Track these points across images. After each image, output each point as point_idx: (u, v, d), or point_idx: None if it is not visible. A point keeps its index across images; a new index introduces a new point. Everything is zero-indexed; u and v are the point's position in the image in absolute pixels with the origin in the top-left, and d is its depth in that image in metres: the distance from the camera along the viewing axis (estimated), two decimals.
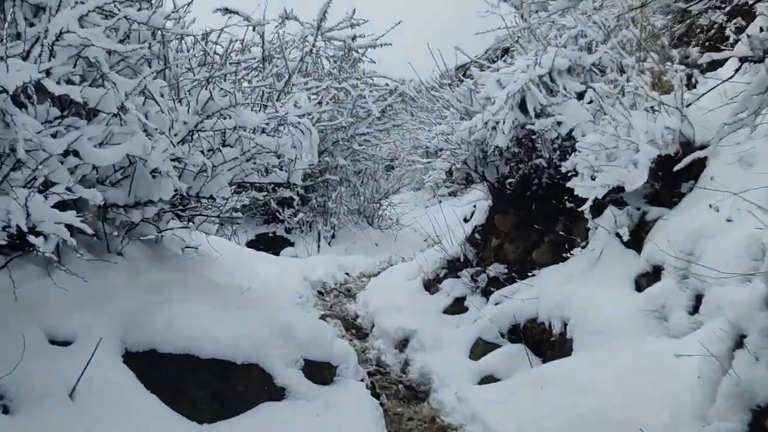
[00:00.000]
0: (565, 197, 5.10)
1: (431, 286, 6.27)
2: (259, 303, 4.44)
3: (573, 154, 4.78)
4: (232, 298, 4.20)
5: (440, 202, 17.12)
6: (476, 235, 6.34)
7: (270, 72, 9.65)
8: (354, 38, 10.83)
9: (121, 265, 3.82)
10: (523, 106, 5.07)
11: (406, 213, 11.71)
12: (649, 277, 4.00)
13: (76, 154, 3.07)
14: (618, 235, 4.45)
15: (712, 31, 5.40)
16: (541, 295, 4.57)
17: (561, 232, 5.30)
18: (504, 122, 4.92)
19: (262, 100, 5.99)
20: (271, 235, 10.13)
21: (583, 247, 4.90)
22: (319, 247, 9.72)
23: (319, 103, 9.59)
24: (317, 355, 3.78)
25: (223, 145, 4.16)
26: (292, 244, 9.98)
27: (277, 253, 9.74)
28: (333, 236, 10.09)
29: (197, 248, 5.75)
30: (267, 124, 4.09)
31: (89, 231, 2.71)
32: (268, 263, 6.93)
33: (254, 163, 4.34)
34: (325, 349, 3.82)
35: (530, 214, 5.82)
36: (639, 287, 4.02)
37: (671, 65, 4.12)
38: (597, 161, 4.45)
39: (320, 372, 3.77)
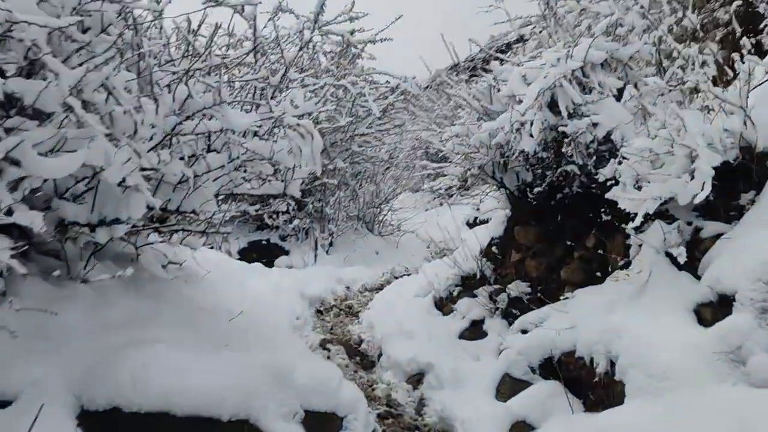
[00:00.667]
0: (601, 209, 4.49)
1: (444, 305, 5.64)
2: (251, 334, 3.80)
3: (611, 160, 4.17)
4: (218, 331, 3.55)
5: (441, 204, 16.52)
6: (493, 249, 5.71)
7: (262, 65, 9.00)
8: (353, 33, 10.20)
9: (83, 296, 3.17)
10: (552, 106, 4.44)
11: (407, 219, 11.08)
12: (715, 308, 3.37)
13: (18, 163, 2.43)
14: (669, 254, 3.82)
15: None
16: (578, 324, 3.94)
17: (594, 248, 4.69)
18: (532, 124, 4.29)
19: (253, 98, 5.35)
20: (264, 242, 9.47)
21: (623, 267, 4.28)
22: (316, 256, 9.07)
23: (322, 102, 8.96)
24: (321, 404, 3.15)
25: (208, 151, 3.52)
26: (287, 253, 9.33)
27: (271, 263, 9.09)
28: (331, 244, 9.44)
29: (181, 264, 5.11)
30: (260, 126, 3.44)
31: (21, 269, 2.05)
32: (261, 277, 6.28)
33: (245, 172, 3.70)
34: (329, 396, 3.18)
35: (556, 226, 5.19)
36: (702, 319, 3.40)
37: (737, 56, 3.49)
38: (643, 168, 3.83)
39: (324, 425, 3.14)
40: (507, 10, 5.86)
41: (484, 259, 5.67)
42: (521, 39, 6.87)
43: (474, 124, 5.21)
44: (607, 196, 4.08)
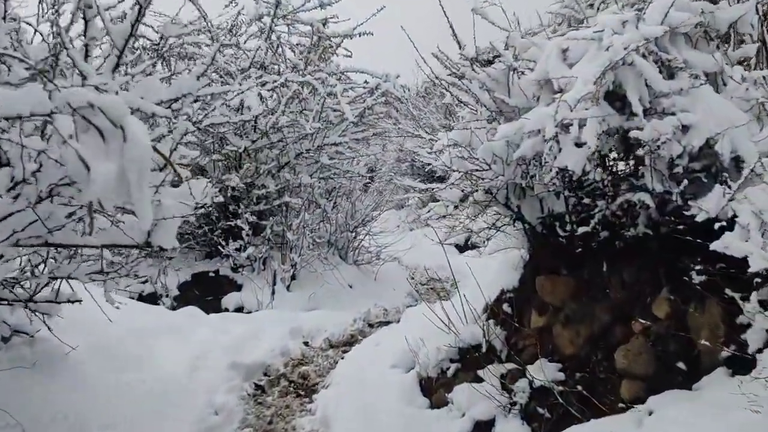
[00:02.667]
0: (683, 257, 2.85)
1: (433, 389, 3.91)
2: None
3: (715, 185, 2.51)
4: None
5: (427, 224, 14.81)
6: (504, 306, 4.01)
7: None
8: (325, 23, 8.53)
9: None
10: (612, 99, 2.78)
11: (388, 245, 9.35)
12: None
13: None
14: None
15: None
16: None
17: (668, 319, 3.02)
18: (581, 125, 2.61)
19: None
20: (212, 274, 7.69)
21: (732, 362, 2.61)
22: (273, 292, 7.32)
23: (283, 103, 7.27)
24: None
25: None
26: (239, 288, 7.56)
27: (218, 300, 7.33)
28: (294, 277, 7.69)
29: (32, 336, 3.39)
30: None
31: None
32: (179, 339, 4.51)
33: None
34: None
35: (599, 277, 3.52)
36: None
37: None
38: None
39: None
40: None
41: (492, 322, 3.97)
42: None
43: (481, 127, 3.52)
44: (715, 247, 2.43)
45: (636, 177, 2.89)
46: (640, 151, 2.63)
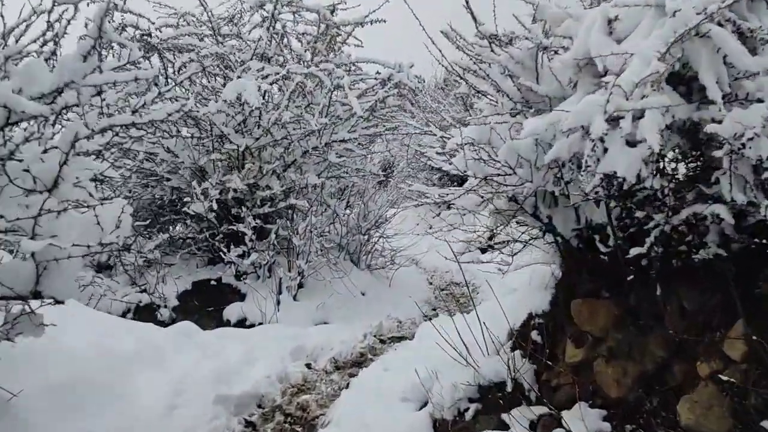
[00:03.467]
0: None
1: None
2: None
3: None
4: None
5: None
6: (533, 335, 3.37)
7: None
8: (333, 10, 7.92)
9: None
10: (676, 83, 2.12)
11: (404, 247, 8.74)
12: None
13: None
14: None
15: None
16: None
17: (745, 360, 2.36)
18: (639, 120, 1.96)
19: None
20: (214, 283, 7.15)
21: None
22: (278, 302, 6.75)
23: (287, 97, 6.69)
24: None
25: None
26: (242, 297, 7.01)
27: (220, 311, 6.80)
28: (301, 285, 7.12)
29: None
30: None
31: None
32: (161, 365, 3.95)
33: None
34: None
35: (651, 303, 2.87)
36: None
37: None
38: None
39: None
40: None
41: (518, 354, 3.34)
42: None
43: (502, 122, 2.88)
44: None
45: (706, 184, 2.23)
46: (717, 152, 1.97)
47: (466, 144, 2.96)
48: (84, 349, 3.66)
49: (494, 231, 3.72)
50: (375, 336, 5.87)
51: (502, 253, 3.78)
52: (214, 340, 5.01)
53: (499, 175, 2.91)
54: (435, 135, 4.41)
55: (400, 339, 5.84)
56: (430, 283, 9.00)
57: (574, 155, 2.34)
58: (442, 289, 8.90)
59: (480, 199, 3.44)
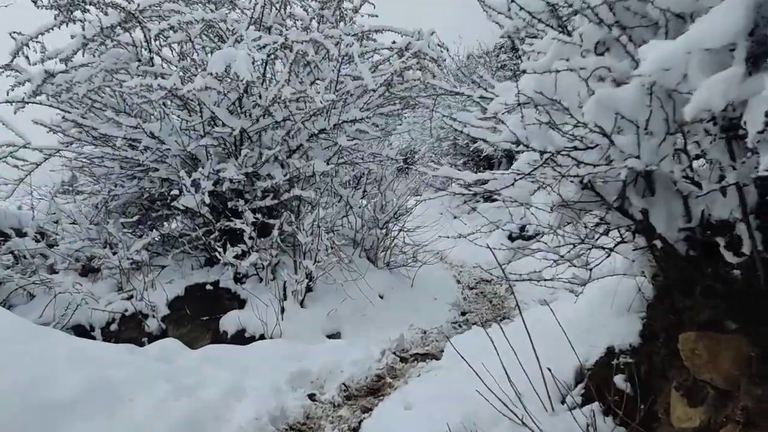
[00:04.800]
0: None
1: None
2: None
3: None
4: None
5: (473, 209, 13.15)
6: (617, 380, 2.35)
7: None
8: None
9: None
10: None
11: (426, 242, 7.72)
12: None
13: None
14: None
15: None
16: None
17: None
18: None
19: None
20: (210, 287, 6.22)
21: None
22: (282, 310, 5.81)
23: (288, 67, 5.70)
24: None
25: None
26: (242, 304, 6.09)
27: (216, 320, 5.89)
28: (309, 289, 6.16)
29: None
30: None
31: None
32: (112, 413, 3.02)
33: None
34: None
35: None
36: None
37: None
38: None
39: None
40: None
41: (596, 408, 2.31)
42: None
43: (579, 68, 1.84)
44: None
45: None
46: None
47: (520, 103, 1.93)
48: (5, 399, 2.74)
49: (556, 230, 2.69)
50: (395, 353, 4.88)
51: (573, 265, 2.74)
52: (195, 365, 4.08)
53: (573, 149, 1.88)
54: (469, 95, 3.36)
55: (425, 357, 4.85)
56: (458, 282, 7.97)
57: (729, 104, 1.31)
58: (471, 288, 7.88)
59: (533, 187, 2.43)
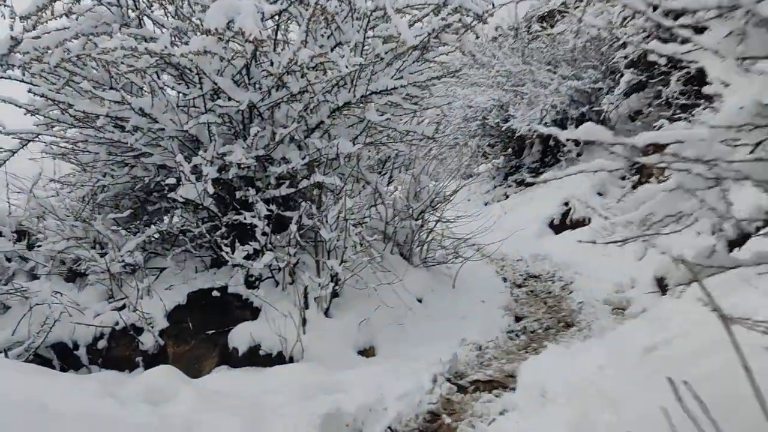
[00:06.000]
0: None
1: None
2: None
3: None
4: None
5: (506, 195, 12.13)
6: None
7: None
8: None
9: None
10: None
11: (469, 235, 6.66)
12: None
13: None
14: None
15: None
16: None
17: None
18: None
19: None
20: (217, 293, 5.20)
21: None
22: (304, 321, 4.80)
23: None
24: None
25: None
26: (255, 314, 5.08)
27: (225, 334, 4.90)
28: (335, 295, 5.14)
29: None
30: None
31: None
32: None
33: None
34: None
35: None
36: None
37: None
38: None
39: None
40: None
41: None
42: None
43: None
44: None
45: None
46: None
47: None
48: None
49: None
50: (450, 380, 3.85)
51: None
52: (193, 410, 3.06)
53: None
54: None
55: (490, 385, 3.80)
56: (504, 279, 6.92)
57: None
58: (519, 285, 6.83)
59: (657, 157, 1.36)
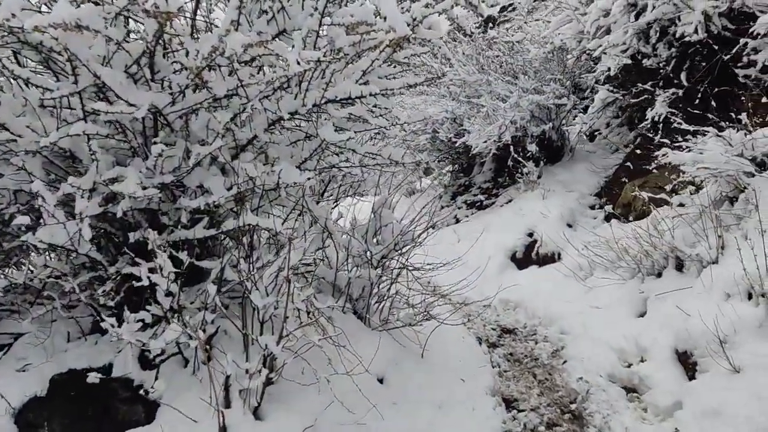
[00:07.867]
0: None
1: None
2: None
3: None
4: None
5: (457, 219, 11.03)
6: None
7: None
8: None
9: None
10: None
11: (447, 290, 5.34)
12: None
13: None
14: None
15: None
16: None
17: None
18: None
19: None
20: (95, 378, 3.55)
21: None
22: (224, 429, 3.28)
23: None
24: None
25: None
26: (150, 413, 3.50)
27: None
28: (269, 382, 3.63)
29: None
30: None
31: None
32: None
33: None
34: None
35: None
36: None
37: None
38: None
39: None
40: None
41: None
42: None
43: None
44: None
45: None
46: None
47: None
48: None
49: None
50: None
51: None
52: None
53: None
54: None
55: None
56: (479, 340, 5.62)
57: None
58: (494, 345, 5.55)
59: None
